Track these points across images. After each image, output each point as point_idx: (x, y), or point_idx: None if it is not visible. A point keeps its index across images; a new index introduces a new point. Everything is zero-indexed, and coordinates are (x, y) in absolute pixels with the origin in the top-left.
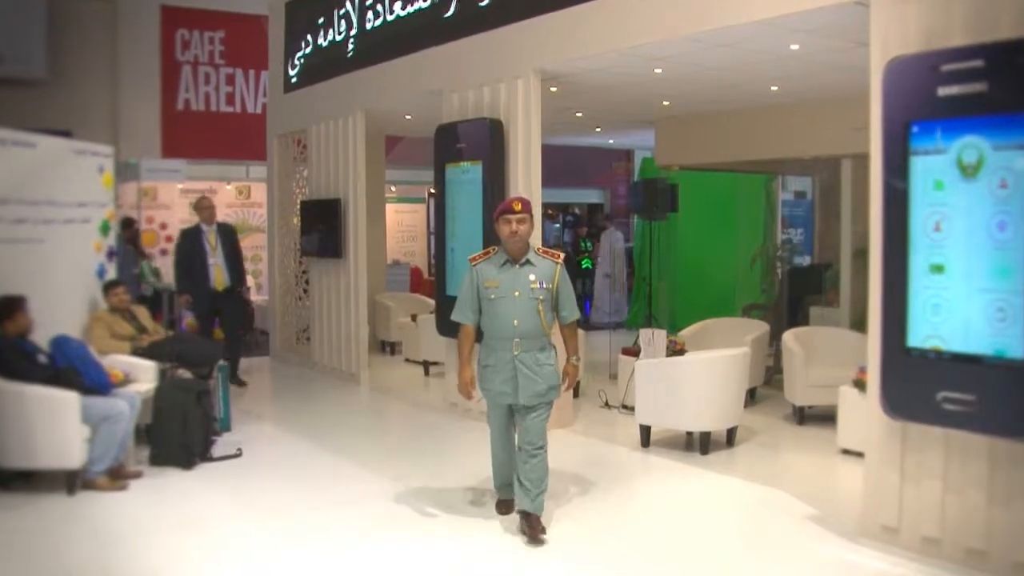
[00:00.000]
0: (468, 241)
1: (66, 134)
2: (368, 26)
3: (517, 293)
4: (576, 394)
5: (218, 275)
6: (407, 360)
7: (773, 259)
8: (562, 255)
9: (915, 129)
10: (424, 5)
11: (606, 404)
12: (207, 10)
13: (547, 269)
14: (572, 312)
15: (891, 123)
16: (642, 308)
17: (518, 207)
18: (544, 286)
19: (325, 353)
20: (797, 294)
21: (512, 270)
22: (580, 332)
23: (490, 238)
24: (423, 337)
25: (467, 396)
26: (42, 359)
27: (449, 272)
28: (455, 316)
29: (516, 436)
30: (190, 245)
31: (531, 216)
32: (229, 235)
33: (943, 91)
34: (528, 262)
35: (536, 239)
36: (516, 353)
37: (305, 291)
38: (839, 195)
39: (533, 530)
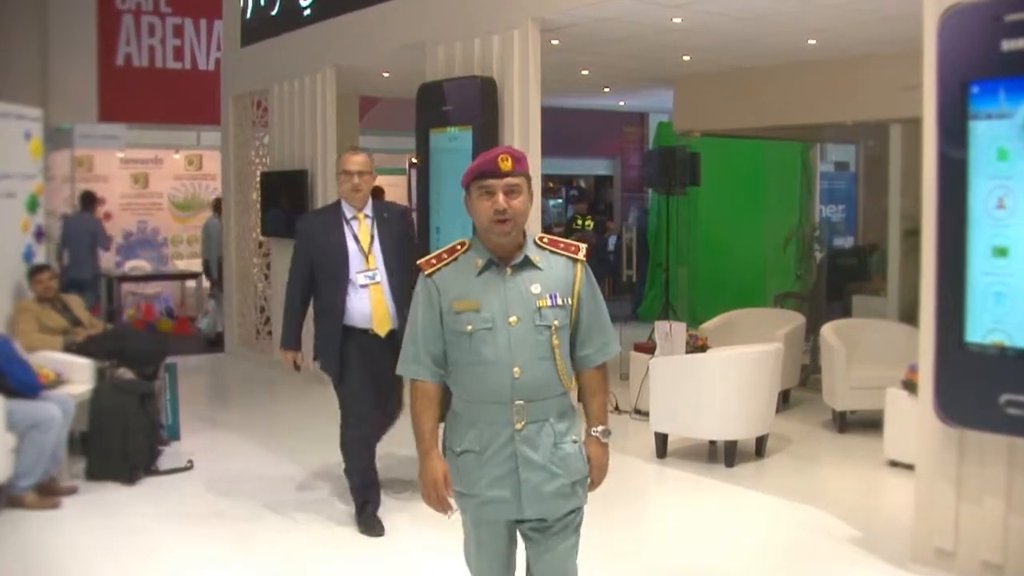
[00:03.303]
0: (456, 219)
1: None
2: None
3: (513, 319)
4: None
5: (377, 305)
6: None
7: (810, 240)
8: (583, 248)
9: (975, 89)
10: None
11: (616, 408)
12: None
13: (560, 272)
14: (603, 348)
15: (947, 82)
16: (658, 297)
17: (506, 164)
18: (557, 302)
19: None
20: (838, 281)
21: (500, 278)
22: None
23: None
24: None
25: (442, 509)
26: None
27: None
28: (402, 367)
29: None
30: (314, 245)
31: (528, 182)
32: (394, 228)
33: (1008, 45)
34: (528, 262)
35: (534, 223)
36: (519, 428)
37: (266, 277)
38: (887, 166)
39: None
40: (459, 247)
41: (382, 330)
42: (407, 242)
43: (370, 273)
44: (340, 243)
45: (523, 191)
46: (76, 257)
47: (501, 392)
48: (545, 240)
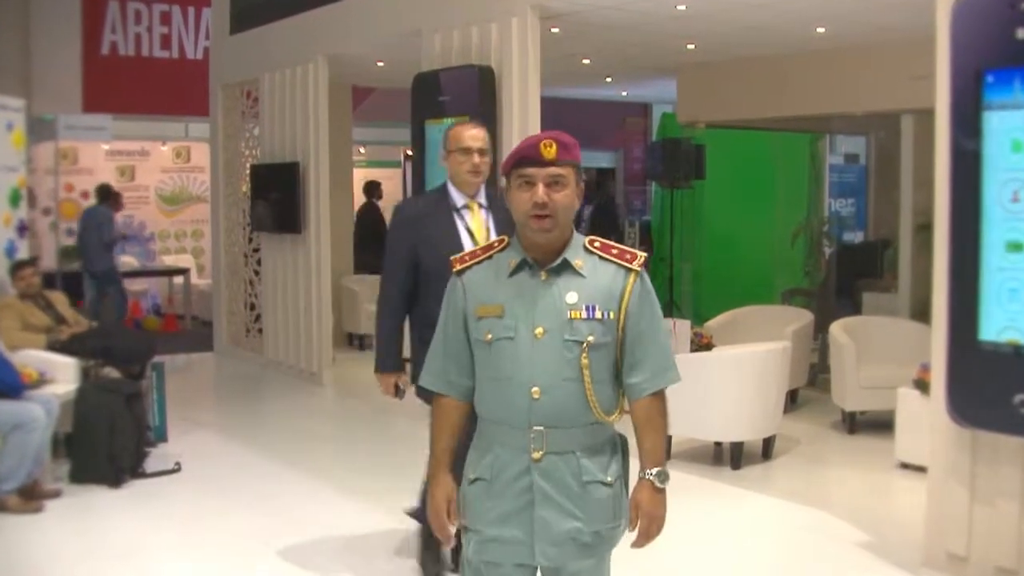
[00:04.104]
0: None
1: None
2: None
3: (540, 330)
4: None
5: None
6: None
7: (818, 235)
8: (641, 256)
9: (990, 78)
10: None
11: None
12: None
13: (606, 281)
14: (658, 376)
15: (961, 71)
16: (661, 294)
17: (550, 151)
18: (595, 315)
19: (280, 348)
20: (847, 277)
21: (532, 282)
22: None
23: None
24: None
25: (444, 536)
26: None
27: None
28: (423, 377)
29: None
30: (419, 238)
31: (578, 173)
32: (510, 218)
33: None
34: (567, 267)
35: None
36: (536, 457)
37: (256, 273)
38: (898, 158)
39: None
40: (496, 244)
41: None
42: None
43: None
44: (451, 238)
45: (569, 183)
46: (89, 250)
47: (517, 414)
48: (597, 244)
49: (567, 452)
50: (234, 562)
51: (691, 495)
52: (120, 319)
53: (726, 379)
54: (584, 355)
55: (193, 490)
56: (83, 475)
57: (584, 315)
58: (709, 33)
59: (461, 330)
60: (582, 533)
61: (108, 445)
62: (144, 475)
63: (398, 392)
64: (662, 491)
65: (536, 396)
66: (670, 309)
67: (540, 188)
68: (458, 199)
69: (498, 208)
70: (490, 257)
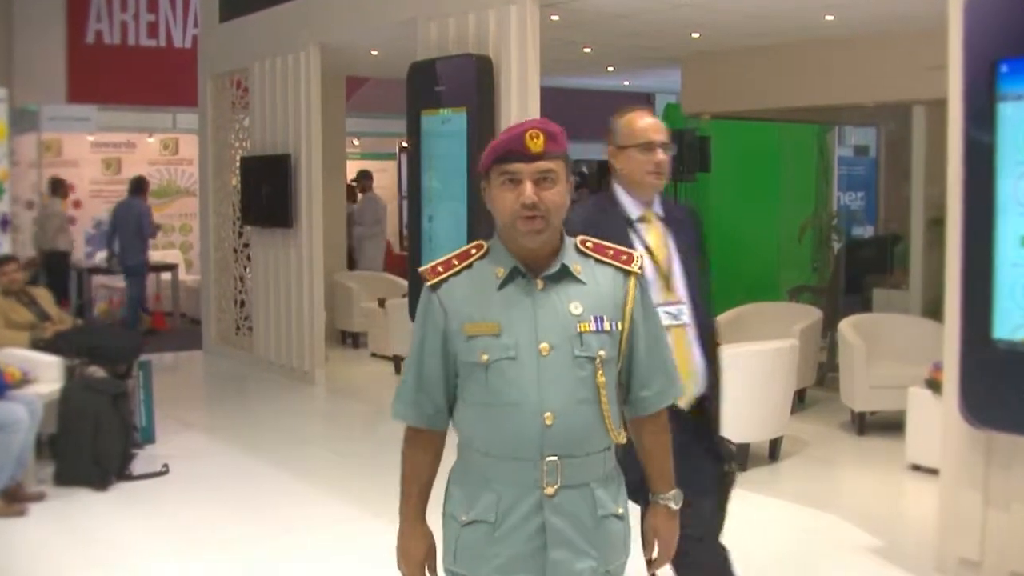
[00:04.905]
0: (450, 207)
1: None
2: None
3: (545, 347)
4: None
5: (683, 360)
6: (373, 355)
7: (827, 230)
8: (639, 257)
9: (1004, 68)
10: None
11: None
12: None
13: (607, 288)
14: (665, 389)
15: (974, 61)
16: None
17: (536, 142)
18: (603, 326)
19: (271, 346)
20: (857, 273)
21: (528, 293)
22: None
23: (480, 209)
24: (393, 326)
25: None
26: None
27: (425, 247)
28: (394, 406)
29: None
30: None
31: (567, 166)
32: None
33: None
34: (565, 273)
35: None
36: (549, 492)
37: (247, 269)
38: (909, 150)
39: None
40: (474, 251)
41: (685, 401)
42: (703, 257)
43: (674, 309)
44: None
45: (559, 179)
46: (124, 244)
47: (527, 445)
48: (590, 245)
49: (583, 484)
50: (223, 567)
51: None
52: (135, 314)
53: (731, 379)
54: (600, 372)
55: (181, 493)
56: (68, 477)
57: (593, 327)
58: (714, 21)
59: (439, 352)
60: (596, 573)
61: (93, 446)
62: (131, 477)
63: None
64: (675, 514)
65: (549, 422)
66: None
67: (528, 186)
68: (632, 209)
69: (678, 222)
70: (469, 266)
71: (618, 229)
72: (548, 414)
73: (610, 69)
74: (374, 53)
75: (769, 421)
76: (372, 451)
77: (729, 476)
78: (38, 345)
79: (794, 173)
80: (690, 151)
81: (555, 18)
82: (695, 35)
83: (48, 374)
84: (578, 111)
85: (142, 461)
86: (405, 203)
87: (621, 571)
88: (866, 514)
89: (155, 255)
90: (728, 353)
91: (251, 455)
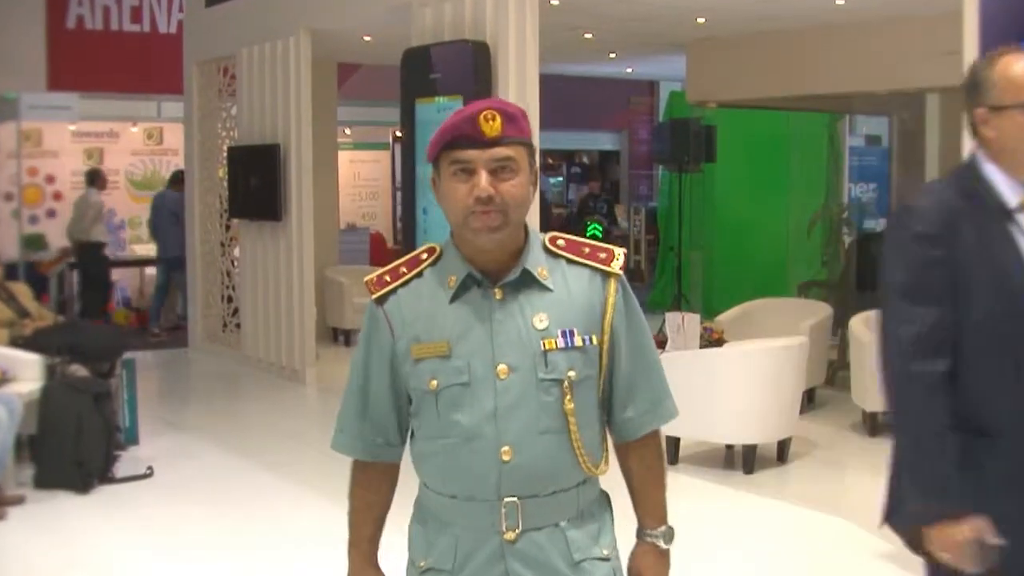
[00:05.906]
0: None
1: None
2: None
3: (503, 368)
4: None
5: None
6: None
7: (837, 223)
8: (619, 255)
9: None
10: None
11: None
12: None
13: (581, 294)
14: (654, 409)
15: (991, 47)
16: (669, 285)
17: (492, 125)
18: (574, 342)
19: (260, 344)
20: (868, 268)
21: (484, 305)
22: None
23: None
24: None
25: None
26: None
27: (420, 240)
28: (337, 439)
29: None
30: (962, 272)
31: (530, 153)
32: None
33: None
34: (529, 279)
35: (533, 214)
36: (510, 538)
37: (234, 264)
38: (923, 140)
39: None
40: (425, 256)
41: None
42: None
43: None
44: (1009, 264)
45: (520, 168)
46: (164, 236)
47: (482, 484)
48: (561, 243)
49: (550, 526)
50: (209, 573)
51: (700, 501)
52: (159, 305)
53: (738, 377)
54: (568, 398)
55: (166, 496)
56: (48, 480)
57: (561, 343)
58: (721, 5)
59: (385, 375)
60: None
61: (75, 448)
62: (114, 480)
63: (982, 553)
64: (666, 554)
65: (507, 458)
66: (678, 302)
67: (483, 176)
68: (1011, 194)
69: None
70: (419, 275)
71: (989, 223)
72: (506, 448)
73: (612, 56)
74: (367, 39)
75: (777, 421)
76: None
77: None
78: (17, 342)
79: (803, 164)
80: (695, 141)
81: (555, 2)
82: (700, 20)
83: (28, 372)
84: (579, 99)
85: (125, 463)
86: (399, 195)
87: None
88: (878, 518)
89: (139, 248)
90: (735, 351)
91: (238, 457)
